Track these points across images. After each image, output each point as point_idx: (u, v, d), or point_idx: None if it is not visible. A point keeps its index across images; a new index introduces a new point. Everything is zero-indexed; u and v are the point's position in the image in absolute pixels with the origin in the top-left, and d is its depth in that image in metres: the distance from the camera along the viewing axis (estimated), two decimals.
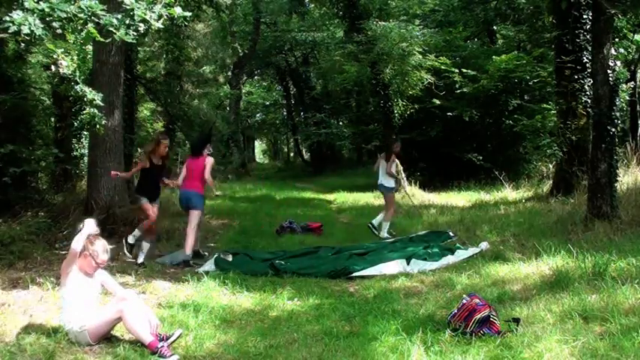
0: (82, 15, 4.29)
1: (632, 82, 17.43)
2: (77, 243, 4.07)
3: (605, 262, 5.19)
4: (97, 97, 6.16)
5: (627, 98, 17.46)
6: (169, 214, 10.04)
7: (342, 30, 19.04)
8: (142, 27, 4.54)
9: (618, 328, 3.83)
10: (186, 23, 5.29)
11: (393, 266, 6.40)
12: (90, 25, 4.36)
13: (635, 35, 13.71)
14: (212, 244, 8.43)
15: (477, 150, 15.18)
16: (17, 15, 4.06)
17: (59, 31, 4.38)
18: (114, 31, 4.42)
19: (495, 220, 8.89)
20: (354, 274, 6.27)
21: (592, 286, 4.75)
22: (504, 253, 6.55)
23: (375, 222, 9.09)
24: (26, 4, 4.10)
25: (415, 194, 12.84)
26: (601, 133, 7.50)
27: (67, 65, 5.93)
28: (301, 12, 25.00)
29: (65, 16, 4.19)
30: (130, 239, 7.00)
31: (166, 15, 4.66)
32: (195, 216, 7.13)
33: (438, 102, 14.96)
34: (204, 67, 21.94)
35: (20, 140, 8.46)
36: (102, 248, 4.24)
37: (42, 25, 4.13)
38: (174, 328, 4.41)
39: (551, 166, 12.96)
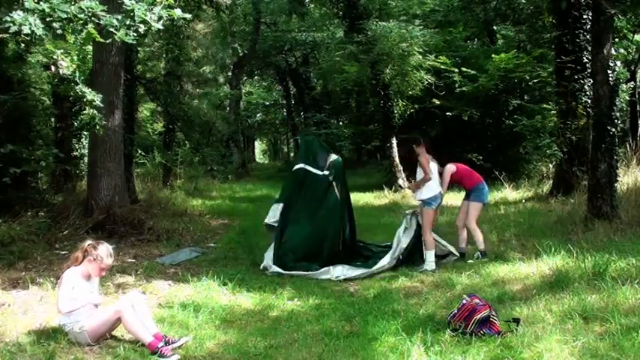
0: (82, 15, 4.30)
1: (632, 82, 17.43)
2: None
3: (605, 262, 5.20)
4: (96, 98, 6.18)
5: (627, 98, 17.46)
6: (169, 214, 10.04)
7: (342, 30, 19.00)
8: (142, 28, 4.55)
9: (618, 328, 3.83)
10: (186, 24, 5.31)
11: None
12: (90, 26, 4.37)
13: (635, 35, 13.70)
14: (212, 244, 8.42)
15: (477, 150, 15.12)
16: (18, 15, 4.07)
17: (59, 31, 4.39)
18: (114, 31, 4.43)
19: (495, 220, 8.88)
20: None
21: (592, 286, 4.75)
22: (504, 253, 6.55)
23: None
24: (27, 5, 4.11)
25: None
26: (601, 133, 7.50)
27: (66, 65, 5.94)
28: (301, 12, 24.96)
29: (65, 16, 4.21)
30: None
31: (166, 16, 4.67)
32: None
33: (437, 102, 14.96)
34: (204, 67, 21.89)
35: (20, 140, 8.47)
36: (106, 252, 4.26)
37: (42, 26, 4.14)
38: (174, 328, 4.42)
39: (551, 166, 12.94)
